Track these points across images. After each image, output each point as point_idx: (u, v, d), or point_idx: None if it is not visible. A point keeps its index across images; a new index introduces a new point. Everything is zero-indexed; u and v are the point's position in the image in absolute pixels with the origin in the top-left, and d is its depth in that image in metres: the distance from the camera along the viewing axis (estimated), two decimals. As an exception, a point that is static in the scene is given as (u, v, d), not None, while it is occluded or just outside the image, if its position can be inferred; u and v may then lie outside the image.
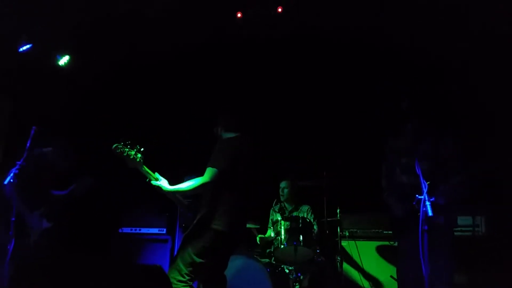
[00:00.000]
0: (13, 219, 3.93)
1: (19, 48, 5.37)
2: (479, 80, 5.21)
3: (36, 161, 4.34)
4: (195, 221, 3.57)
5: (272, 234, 5.13)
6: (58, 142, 4.64)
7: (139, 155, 3.51)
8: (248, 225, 5.24)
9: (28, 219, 4.34)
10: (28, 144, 4.04)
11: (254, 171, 3.81)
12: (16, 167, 3.92)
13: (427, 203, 3.03)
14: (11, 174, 3.91)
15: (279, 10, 5.71)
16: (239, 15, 5.79)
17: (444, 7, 5.04)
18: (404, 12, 5.23)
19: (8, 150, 5.69)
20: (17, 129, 5.57)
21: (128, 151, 3.48)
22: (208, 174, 3.49)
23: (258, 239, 5.53)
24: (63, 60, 5.80)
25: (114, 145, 3.48)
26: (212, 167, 3.50)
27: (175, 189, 3.54)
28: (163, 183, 3.57)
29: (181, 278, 3.43)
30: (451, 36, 5.19)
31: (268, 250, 5.24)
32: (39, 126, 4.17)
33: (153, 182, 3.55)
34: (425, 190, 3.06)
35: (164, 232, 5.75)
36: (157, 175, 3.60)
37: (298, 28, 5.85)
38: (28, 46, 5.39)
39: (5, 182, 3.92)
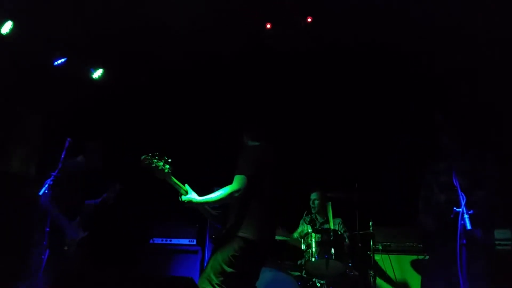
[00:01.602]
0: (47, 229, 3.99)
1: (54, 62, 5.50)
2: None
3: (68, 170, 4.40)
4: (224, 231, 3.56)
5: (303, 247, 5.06)
6: (87, 149, 4.71)
7: (167, 166, 3.51)
8: (278, 237, 5.20)
9: (67, 230, 4.40)
10: (62, 156, 4.11)
11: (280, 181, 3.78)
12: (51, 178, 3.98)
13: (465, 216, 2.94)
14: (46, 185, 3.98)
15: (309, 20, 5.68)
16: (268, 26, 5.80)
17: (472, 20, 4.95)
18: (438, 26, 5.15)
19: (41, 162, 5.81)
20: (50, 141, 5.68)
21: (156, 162, 3.48)
22: (236, 181, 3.48)
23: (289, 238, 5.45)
24: (97, 74, 5.92)
25: (143, 157, 3.49)
26: (240, 174, 3.49)
27: (205, 200, 3.51)
28: (193, 195, 3.55)
29: None
30: (488, 47, 5.09)
31: (299, 262, 5.16)
32: (73, 138, 4.25)
33: (183, 198, 3.53)
34: (463, 203, 2.96)
35: (194, 243, 5.76)
36: (187, 187, 3.59)
37: (329, 39, 5.83)
38: (62, 59, 5.51)
39: (40, 193, 3.99)
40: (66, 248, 4.36)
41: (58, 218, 4.26)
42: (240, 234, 3.48)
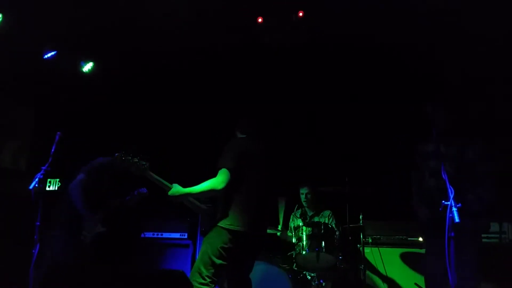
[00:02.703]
0: (38, 223, 3.98)
1: (44, 55, 5.46)
2: (507, 84, 5.13)
3: (99, 169, 4.51)
4: (213, 224, 3.58)
5: (294, 240, 5.09)
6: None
7: (143, 162, 3.49)
8: (269, 231, 5.22)
9: (87, 222, 4.44)
10: (52, 150, 4.10)
11: (269, 173, 3.80)
12: (41, 172, 3.97)
13: (454, 209, 2.96)
14: (36, 179, 3.96)
15: (300, 14, 5.68)
16: (260, 20, 5.79)
17: (465, 17, 4.99)
18: (426, 19, 5.18)
19: (32, 156, 5.78)
20: (41, 135, 5.65)
21: (131, 159, 3.47)
22: (219, 175, 3.50)
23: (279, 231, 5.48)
24: (87, 67, 5.88)
25: (116, 154, 3.47)
26: (221, 167, 3.51)
27: (189, 190, 3.49)
28: (177, 187, 3.53)
29: (203, 281, 3.43)
30: (475, 41, 5.13)
31: (290, 253, 5.19)
32: (64, 132, 4.24)
33: (169, 192, 3.51)
34: (451, 196, 2.99)
35: (186, 236, 5.77)
36: (173, 184, 3.55)
37: (319, 34, 5.84)
38: (52, 53, 5.47)
39: (31, 187, 3.98)
40: (83, 237, 4.41)
41: (81, 209, 4.33)
42: (228, 226, 3.50)
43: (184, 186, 3.53)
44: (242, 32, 5.91)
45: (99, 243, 4.55)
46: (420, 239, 5.19)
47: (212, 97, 6.42)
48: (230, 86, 6.33)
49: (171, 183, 3.54)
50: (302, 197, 5.68)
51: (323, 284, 4.89)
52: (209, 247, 3.51)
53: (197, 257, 3.61)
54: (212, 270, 3.46)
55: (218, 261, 3.47)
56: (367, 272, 5.20)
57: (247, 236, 3.54)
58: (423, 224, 3.65)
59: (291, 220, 5.78)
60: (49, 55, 5.50)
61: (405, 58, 5.75)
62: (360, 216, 5.27)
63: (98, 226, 4.52)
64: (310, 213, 5.70)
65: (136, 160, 3.47)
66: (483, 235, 4.10)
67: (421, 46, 5.55)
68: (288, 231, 5.54)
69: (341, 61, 6.09)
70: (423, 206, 3.63)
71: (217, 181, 3.46)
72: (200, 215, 3.88)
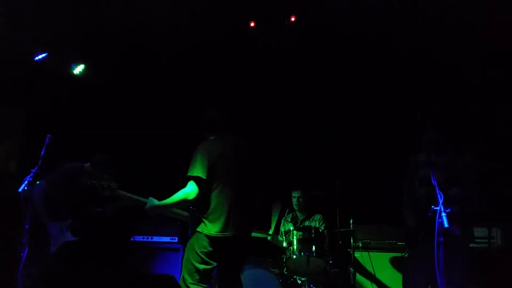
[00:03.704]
0: (27, 226, 3.94)
1: (35, 57, 5.43)
2: (496, 91, 5.17)
3: (72, 174, 4.38)
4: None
5: (284, 244, 5.09)
6: (99, 159, 4.59)
7: (112, 185, 3.57)
8: (259, 235, 5.21)
9: (49, 228, 4.34)
10: (42, 152, 4.06)
11: (246, 172, 3.71)
12: (31, 174, 3.93)
13: (443, 214, 2.98)
14: (25, 182, 3.93)
15: (292, 19, 5.70)
16: (252, 24, 5.80)
17: (462, 21, 5.02)
18: (419, 22, 5.21)
19: (22, 158, 5.74)
20: (31, 138, 5.61)
21: (100, 185, 3.55)
22: (188, 184, 3.46)
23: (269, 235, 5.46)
24: (78, 69, 5.86)
25: (88, 183, 3.57)
26: (189, 175, 3.47)
27: (163, 203, 3.49)
28: (152, 201, 3.52)
29: None
30: (467, 47, 5.17)
31: (280, 257, 5.19)
32: (54, 134, 4.20)
33: (146, 207, 3.51)
34: (440, 201, 3.01)
35: (176, 240, 5.74)
36: (150, 198, 3.55)
37: (310, 37, 5.86)
38: (43, 55, 5.44)
39: (20, 190, 3.94)
40: (48, 248, 4.31)
41: (42, 215, 4.22)
42: (204, 231, 3.47)
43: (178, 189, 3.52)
44: (234, 36, 5.92)
45: (70, 252, 4.43)
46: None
47: (205, 99, 6.40)
48: (222, 88, 6.32)
49: (172, 184, 3.55)
50: (294, 200, 5.68)
51: (313, 288, 4.89)
52: (189, 254, 3.50)
53: (181, 264, 3.58)
54: (197, 277, 3.44)
55: (201, 266, 3.45)
56: (357, 276, 5.22)
57: (227, 239, 3.49)
58: (410, 232, 3.67)
59: (282, 224, 5.77)
60: (40, 57, 5.46)
61: (400, 61, 5.78)
62: (351, 221, 5.29)
63: (67, 234, 4.42)
64: (301, 217, 5.71)
65: (104, 184, 3.55)
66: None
67: (418, 47, 5.57)
68: (279, 236, 5.54)
69: (334, 64, 6.10)
70: (411, 214, 3.66)
71: (187, 192, 3.43)
72: (187, 221, 3.89)
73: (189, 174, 3.47)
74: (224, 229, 3.48)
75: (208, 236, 3.46)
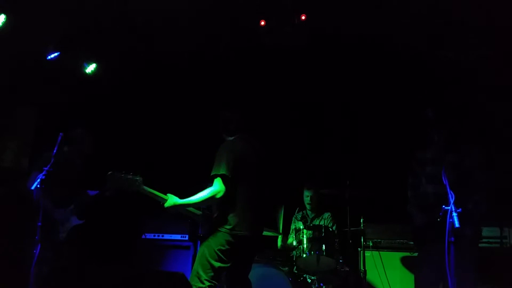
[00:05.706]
0: (39, 224, 3.98)
1: (47, 56, 5.48)
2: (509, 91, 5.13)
3: (56, 160, 4.32)
4: (212, 228, 3.58)
5: (294, 243, 5.09)
6: (74, 139, 4.68)
7: (137, 178, 3.49)
8: (269, 233, 5.22)
9: (56, 215, 4.40)
10: (55, 150, 4.10)
11: (265, 172, 3.78)
12: (43, 172, 3.97)
13: (454, 214, 2.97)
14: (38, 180, 3.96)
15: (303, 18, 5.69)
16: (262, 23, 5.80)
17: (473, 19, 4.97)
18: (430, 21, 5.18)
19: (33, 156, 5.79)
20: (43, 135, 5.66)
21: (124, 176, 3.48)
22: (215, 183, 3.48)
23: (279, 242, 5.48)
24: (90, 68, 5.90)
25: (109, 173, 3.49)
26: (216, 175, 3.49)
27: (187, 201, 3.50)
28: (175, 199, 3.52)
29: (201, 285, 3.42)
30: (480, 45, 5.12)
31: (291, 254, 5.19)
32: (66, 133, 4.24)
33: (165, 204, 3.50)
34: (452, 201, 2.99)
35: (187, 238, 5.77)
36: (169, 195, 3.54)
37: (320, 35, 5.84)
38: (56, 54, 5.49)
39: (32, 188, 3.98)
40: (57, 235, 4.36)
41: (46, 204, 4.24)
42: (224, 229, 3.50)
43: (185, 189, 3.53)
44: (245, 34, 5.92)
45: (78, 236, 4.48)
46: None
47: (214, 100, 6.41)
48: (232, 88, 6.33)
49: (181, 184, 3.56)
50: (307, 199, 5.68)
51: (324, 287, 4.88)
52: (206, 250, 3.50)
53: (196, 260, 3.59)
54: (211, 274, 3.45)
55: (217, 264, 3.47)
56: (368, 275, 5.20)
57: (246, 238, 3.54)
58: (418, 230, 3.65)
59: (292, 222, 5.78)
60: (52, 56, 5.51)
61: (408, 60, 5.75)
62: (361, 220, 5.28)
63: (72, 219, 4.48)
64: (311, 216, 5.70)
65: (129, 176, 3.47)
66: (483, 240, 4.11)
67: (424, 48, 5.55)
68: (289, 236, 5.56)
69: (344, 63, 6.08)
70: (419, 211, 3.65)
71: (215, 190, 3.46)
72: (198, 220, 3.89)
73: (215, 172, 3.50)
74: (246, 228, 3.53)
75: (230, 235, 3.48)
